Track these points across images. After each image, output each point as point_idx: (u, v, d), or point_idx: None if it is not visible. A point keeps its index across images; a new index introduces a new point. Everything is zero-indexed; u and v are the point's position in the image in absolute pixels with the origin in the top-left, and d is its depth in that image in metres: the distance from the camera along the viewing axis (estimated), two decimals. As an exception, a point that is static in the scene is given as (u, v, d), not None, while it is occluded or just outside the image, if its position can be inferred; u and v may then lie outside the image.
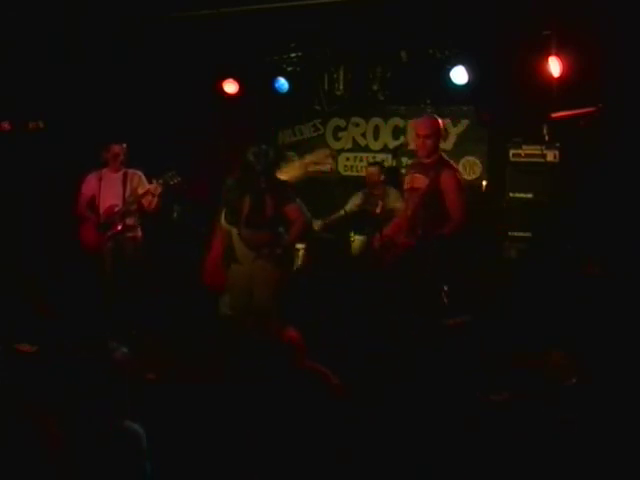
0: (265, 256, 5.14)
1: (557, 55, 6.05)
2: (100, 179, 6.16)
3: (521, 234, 6.26)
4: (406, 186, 5.18)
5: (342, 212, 7.04)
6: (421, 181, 4.98)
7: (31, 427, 1.80)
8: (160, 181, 6.16)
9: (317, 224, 6.79)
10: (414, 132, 5.13)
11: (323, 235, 7.12)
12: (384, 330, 4.93)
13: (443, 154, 5.13)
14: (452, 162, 5.24)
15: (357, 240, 6.63)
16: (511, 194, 6.36)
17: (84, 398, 2.26)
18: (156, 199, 6.19)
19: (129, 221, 6.26)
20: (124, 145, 6.30)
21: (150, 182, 6.26)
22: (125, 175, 6.28)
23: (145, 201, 6.21)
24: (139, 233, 6.40)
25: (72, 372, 2.36)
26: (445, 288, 5.15)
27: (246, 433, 2.16)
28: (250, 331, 4.76)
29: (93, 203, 6.24)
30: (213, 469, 2.35)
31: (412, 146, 5.43)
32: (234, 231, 5.20)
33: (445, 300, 5.18)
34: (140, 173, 6.37)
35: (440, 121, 5.04)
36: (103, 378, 2.31)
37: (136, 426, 2.34)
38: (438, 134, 5.01)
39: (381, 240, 5.17)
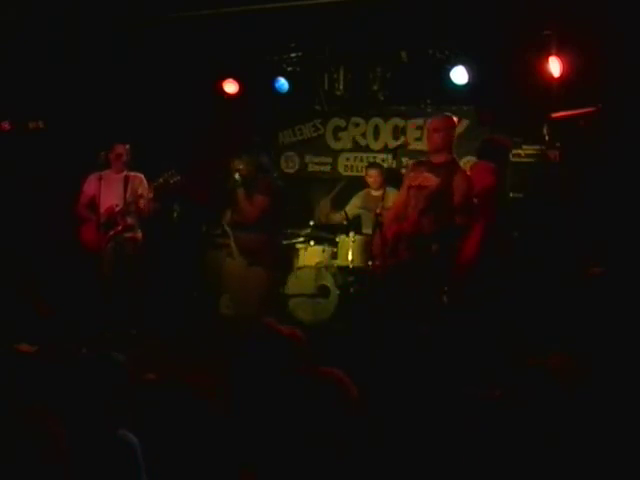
0: (258, 263, 5.06)
1: (557, 55, 6.05)
2: (100, 179, 6.14)
3: (521, 234, 6.26)
4: (411, 183, 5.11)
5: (342, 213, 7.03)
6: (430, 180, 4.94)
7: (31, 428, 1.79)
8: (160, 180, 6.16)
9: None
10: (428, 131, 5.11)
11: (321, 234, 7.12)
12: (385, 330, 4.93)
13: (455, 157, 5.10)
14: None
15: (357, 240, 6.61)
16: (511, 194, 6.36)
17: (81, 403, 2.24)
18: (150, 202, 6.20)
19: (129, 221, 6.26)
20: (127, 146, 6.30)
21: (150, 183, 6.27)
22: (127, 178, 6.28)
23: (141, 203, 6.22)
24: (139, 233, 6.40)
25: (71, 375, 2.34)
26: (445, 288, 5.16)
27: (248, 438, 2.14)
28: (248, 328, 4.71)
29: (93, 203, 6.23)
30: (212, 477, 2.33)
31: (415, 146, 5.41)
32: (231, 233, 5.16)
33: (445, 300, 5.19)
34: (141, 176, 6.37)
35: (455, 119, 5.07)
36: (100, 385, 2.29)
37: (130, 436, 2.30)
38: (448, 131, 5.01)
39: (383, 239, 5.14)
